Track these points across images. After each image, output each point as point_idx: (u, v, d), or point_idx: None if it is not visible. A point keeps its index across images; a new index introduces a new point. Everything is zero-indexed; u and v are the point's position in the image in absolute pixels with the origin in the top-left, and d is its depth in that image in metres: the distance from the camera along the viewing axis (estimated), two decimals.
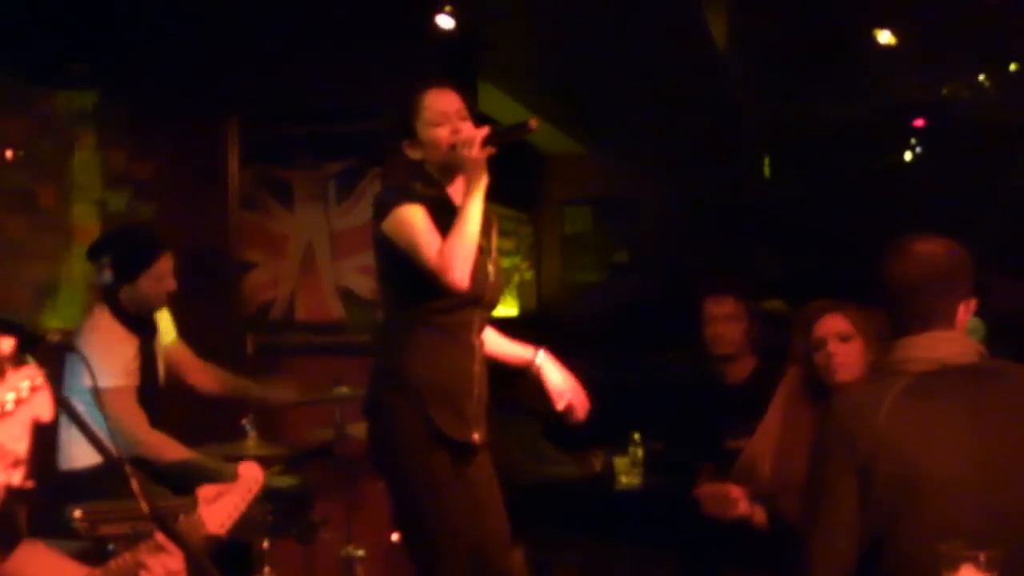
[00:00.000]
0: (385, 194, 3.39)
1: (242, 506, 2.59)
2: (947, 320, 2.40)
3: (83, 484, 3.85)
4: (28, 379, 1.65)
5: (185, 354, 4.46)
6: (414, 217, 3.07)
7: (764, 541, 3.40)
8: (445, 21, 5.11)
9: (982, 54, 6.29)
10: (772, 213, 8.13)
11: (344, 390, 4.27)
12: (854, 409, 2.38)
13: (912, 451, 2.27)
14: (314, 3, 5.24)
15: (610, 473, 4.43)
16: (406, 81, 3.43)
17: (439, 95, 3.18)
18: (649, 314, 7.46)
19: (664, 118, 7.29)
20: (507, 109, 6.70)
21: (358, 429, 3.84)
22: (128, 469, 2.08)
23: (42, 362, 1.84)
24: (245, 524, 3.93)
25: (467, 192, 3.07)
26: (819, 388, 3.32)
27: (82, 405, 3.40)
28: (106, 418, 2.69)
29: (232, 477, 2.62)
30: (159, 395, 4.24)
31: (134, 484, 2.05)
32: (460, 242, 3.01)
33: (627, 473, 4.42)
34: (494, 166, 3.09)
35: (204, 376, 4.49)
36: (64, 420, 3.79)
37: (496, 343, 3.45)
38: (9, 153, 4.80)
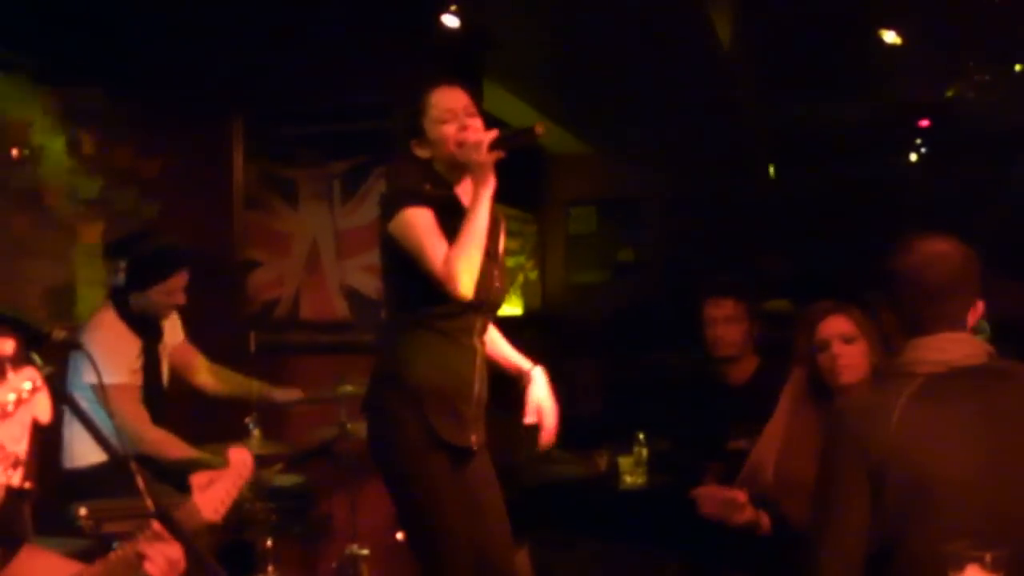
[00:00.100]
0: (392, 194, 3.34)
1: (234, 491, 2.61)
2: (958, 321, 2.39)
3: (87, 482, 3.86)
4: (29, 380, 1.65)
5: (192, 355, 4.46)
6: (421, 221, 3.05)
7: (768, 543, 3.39)
8: (450, 20, 5.11)
9: (987, 55, 6.28)
10: (776, 213, 8.13)
11: (348, 389, 4.27)
12: (865, 413, 2.37)
13: (923, 455, 2.26)
14: (319, 2, 5.24)
15: (614, 473, 4.43)
16: (411, 80, 3.43)
17: (446, 93, 3.17)
18: (653, 314, 7.47)
19: (669, 118, 7.30)
20: (512, 108, 6.71)
21: (362, 428, 3.83)
22: (133, 466, 2.08)
23: (47, 359, 1.85)
24: (246, 519, 3.97)
25: (474, 196, 3.05)
26: (822, 389, 3.31)
27: (86, 402, 3.43)
28: (110, 415, 2.70)
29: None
30: (162, 397, 4.25)
31: (139, 481, 2.05)
32: (465, 252, 2.99)
33: (631, 473, 4.42)
34: (499, 165, 3.08)
35: (210, 377, 4.49)
36: (67, 418, 3.83)
37: (497, 346, 3.43)
38: (15, 151, 4.80)
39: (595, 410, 6.98)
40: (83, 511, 3.42)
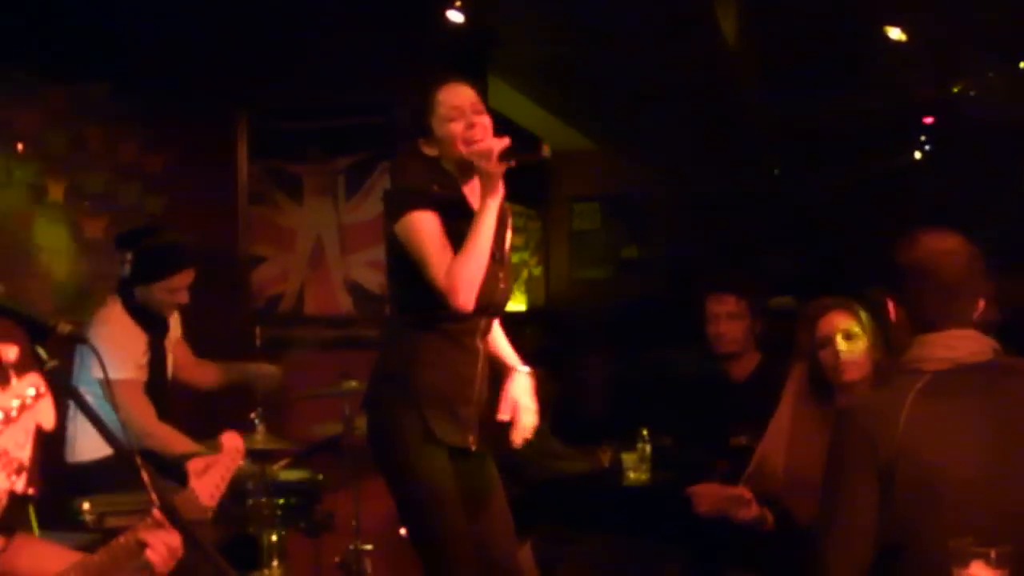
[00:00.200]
0: (399, 193, 3.25)
1: (228, 476, 2.64)
2: (966, 318, 2.39)
3: (91, 477, 3.86)
4: (32, 386, 1.65)
5: (182, 351, 4.46)
6: (427, 227, 3.03)
7: (771, 539, 3.39)
8: (455, 16, 5.11)
9: (992, 51, 6.27)
10: (781, 210, 8.12)
11: (352, 384, 4.27)
12: (873, 412, 2.37)
13: (932, 452, 2.26)
14: None
15: (618, 469, 4.42)
16: (416, 76, 3.42)
17: (452, 90, 3.14)
18: (657, 310, 7.46)
19: (673, 115, 7.28)
20: (517, 105, 6.69)
21: (366, 423, 3.84)
22: (138, 461, 2.08)
23: (52, 353, 1.85)
24: (251, 514, 3.97)
25: (481, 206, 3.02)
26: (824, 386, 3.30)
27: (91, 397, 3.43)
28: (116, 409, 2.70)
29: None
30: (167, 392, 4.26)
31: (144, 476, 2.06)
32: (468, 266, 2.98)
33: (635, 469, 4.41)
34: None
35: (199, 372, 4.50)
36: (72, 412, 3.84)
37: (495, 341, 3.41)
38: (20, 146, 4.81)
39: (599, 406, 7.00)
40: (86, 506, 3.43)
